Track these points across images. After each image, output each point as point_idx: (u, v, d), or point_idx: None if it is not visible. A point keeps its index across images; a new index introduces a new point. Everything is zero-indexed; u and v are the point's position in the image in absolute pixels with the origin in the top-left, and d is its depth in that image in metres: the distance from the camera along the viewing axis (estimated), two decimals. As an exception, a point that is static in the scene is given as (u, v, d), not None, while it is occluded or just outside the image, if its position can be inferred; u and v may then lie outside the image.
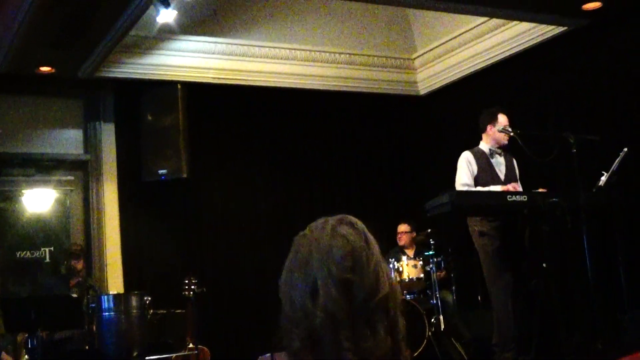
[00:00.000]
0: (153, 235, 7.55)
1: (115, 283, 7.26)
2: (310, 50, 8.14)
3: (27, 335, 5.88)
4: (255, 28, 7.86)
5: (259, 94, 8.01)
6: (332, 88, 8.29)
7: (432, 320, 6.53)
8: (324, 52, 8.21)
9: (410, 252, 7.40)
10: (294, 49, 8.06)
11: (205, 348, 5.84)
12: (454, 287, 6.97)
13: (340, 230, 1.44)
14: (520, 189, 5.54)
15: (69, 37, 6.16)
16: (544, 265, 5.04)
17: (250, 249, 7.88)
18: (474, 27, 7.74)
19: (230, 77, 7.76)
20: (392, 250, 7.34)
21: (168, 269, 7.32)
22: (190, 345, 5.59)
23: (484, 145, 5.57)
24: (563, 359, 5.06)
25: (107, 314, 5.67)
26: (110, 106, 7.58)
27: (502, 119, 5.51)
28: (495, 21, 7.42)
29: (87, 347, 6.15)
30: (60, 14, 5.68)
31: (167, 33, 7.19)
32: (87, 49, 6.52)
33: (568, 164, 5.12)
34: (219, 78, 7.71)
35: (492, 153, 5.54)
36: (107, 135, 7.54)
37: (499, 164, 5.56)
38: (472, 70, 7.94)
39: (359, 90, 8.45)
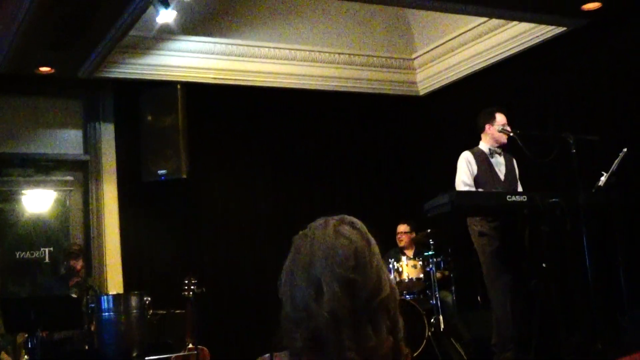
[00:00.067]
0: (153, 235, 7.55)
1: (114, 283, 7.26)
2: (309, 51, 8.14)
3: (26, 335, 5.88)
4: (255, 28, 7.86)
5: (258, 94, 8.01)
6: (331, 88, 8.29)
7: (432, 320, 6.52)
8: (323, 52, 8.21)
9: (410, 253, 7.40)
10: (294, 49, 8.06)
11: (204, 348, 5.83)
12: (453, 288, 6.97)
13: (342, 230, 1.44)
14: (520, 189, 5.55)
15: (68, 37, 6.16)
16: (544, 265, 5.04)
17: (250, 249, 7.89)
18: (474, 27, 7.74)
19: (230, 77, 7.76)
20: (392, 250, 7.34)
21: (168, 269, 7.32)
22: (190, 346, 5.59)
23: (484, 145, 5.58)
24: (562, 359, 5.06)
25: (106, 314, 5.66)
26: (110, 106, 7.58)
27: (500, 118, 5.52)
28: (494, 21, 7.42)
29: (86, 347, 6.14)
30: (60, 14, 5.67)
31: (166, 33, 7.19)
32: (86, 50, 6.52)
33: (567, 164, 5.13)
34: (218, 78, 7.71)
35: (491, 153, 5.54)
36: (107, 136, 7.54)
37: (499, 164, 5.56)
38: (471, 70, 7.95)
39: (358, 90, 8.45)
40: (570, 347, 5.14)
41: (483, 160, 5.50)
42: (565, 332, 5.24)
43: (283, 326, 1.41)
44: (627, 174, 5.40)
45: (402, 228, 7.52)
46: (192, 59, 7.58)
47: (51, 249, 7.36)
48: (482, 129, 5.59)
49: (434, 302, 6.63)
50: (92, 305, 5.85)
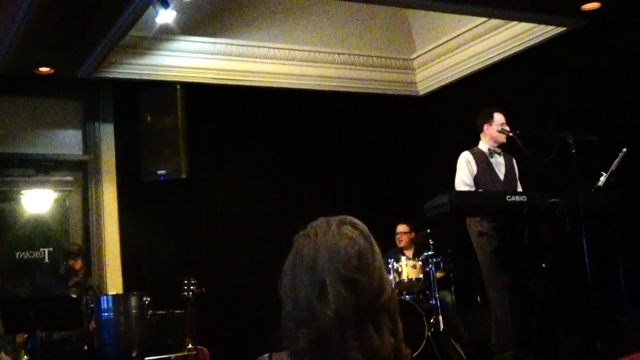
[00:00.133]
0: (152, 235, 7.55)
1: (114, 283, 7.26)
2: (309, 51, 8.14)
3: (26, 335, 5.88)
4: (255, 28, 7.86)
5: (258, 94, 8.01)
6: (331, 88, 8.29)
7: (432, 320, 6.53)
8: (323, 52, 8.21)
9: (409, 253, 7.40)
10: (293, 50, 8.06)
11: (204, 348, 5.83)
12: (453, 288, 6.97)
13: (345, 230, 1.44)
14: (520, 189, 5.56)
15: (68, 37, 6.15)
16: (543, 265, 5.04)
17: (250, 249, 7.89)
18: (473, 27, 7.74)
19: (230, 77, 7.76)
20: (391, 250, 7.34)
21: (167, 269, 7.32)
22: (190, 346, 5.59)
23: (483, 146, 5.58)
24: (562, 359, 5.06)
25: (106, 314, 5.66)
26: (110, 107, 7.58)
27: (498, 118, 5.53)
28: (494, 22, 7.42)
29: (86, 348, 6.15)
30: (60, 14, 5.67)
31: (166, 33, 7.19)
32: (86, 50, 6.52)
33: (567, 164, 5.13)
34: (218, 78, 7.71)
35: (491, 153, 5.54)
36: (106, 136, 7.54)
37: (499, 164, 5.56)
38: (471, 70, 7.95)
39: (358, 90, 8.45)
40: (570, 347, 5.14)
41: (483, 160, 5.50)
42: (564, 332, 5.24)
43: (284, 326, 1.41)
44: (626, 174, 5.40)
45: (402, 228, 7.52)
46: (191, 59, 7.58)
47: (51, 249, 7.36)
48: (481, 129, 5.59)
49: (434, 302, 6.63)
50: (92, 305, 5.85)
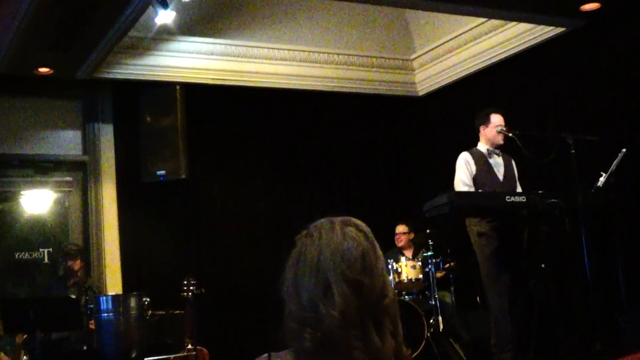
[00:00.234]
0: (152, 236, 7.55)
1: (113, 284, 7.26)
2: (308, 51, 8.14)
3: (25, 336, 5.88)
4: (254, 29, 7.86)
5: (257, 95, 8.01)
6: (330, 89, 8.29)
7: (431, 321, 6.53)
8: (322, 53, 8.21)
9: (409, 253, 7.40)
10: (293, 50, 8.06)
11: (204, 349, 5.83)
12: (452, 288, 6.98)
13: (349, 232, 1.45)
14: (519, 189, 5.55)
15: (67, 38, 6.15)
16: (543, 265, 5.04)
17: (249, 249, 7.89)
18: (473, 27, 7.74)
19: (229, 78, 7.76)
20: (391, 251, 7.34)
21: (167, 269, 7.31)
22: (189, 346, 5.58)
23: (482, 146, 5.58)
24: (561, 359, 5.06)
25: (105, 314, 5.66)
26: (109, 107, 7.58)
27: (495, 120, 5.52)
28: (493, 22, 7.43)
29: (85, 348, 6.14)
30: (59, 15, 5.67)
31: (165, 34, 7.19)
32: (85, 50, 6.51)
33: (567, 164, 5.13)
34: (217, 79, 7.71)
35: (490, 153, 5.54)
36: (106, 136, 7.54)
37: (498, 164, 5.57)
38: (470, 71, 7.95)
39: (357, 91, 8.45)
40: (569, 348, 5.14)
41: (481, 161, 5.51)
42: (564, 332, 5.24)
43: (287, 325, 1.41)
44: (626, 174, 5.41)
45: (401, 229, 7.53)
46: (191, 59, 7.58)
47: (50, 249, 7.36)
48: (478, 130, 5.61)
49: (433, 302, 6.64)
50: (91, 305, 5.85)
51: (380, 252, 1.46)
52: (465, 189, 5.35)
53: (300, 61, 8.11)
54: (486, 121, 5.54)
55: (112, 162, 7.52)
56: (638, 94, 6.31)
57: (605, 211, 5.35)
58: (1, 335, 6.12)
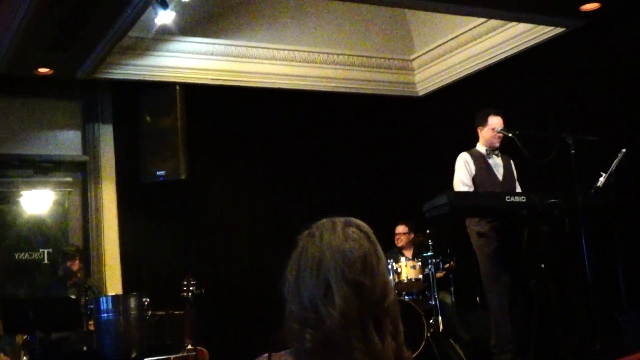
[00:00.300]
0: (151, 236, 7.55)
1: (113, 284, 7.26)
2: (308, 52, 8.14)
3: (25, 336, 5.88)
4: (254, 29, 7.86)
5: (257, 95, 8.01)
6: (330, 89, 8.29)
7: (431, 321, 6.53)
8: (322, 53, 8.21)
9: (409, 253, 7.40)
10: (293, 50, 8.06)
11: (203, 349, 5.83)
12: (452, 288, 6.98)
13: (350, 232, 1.45)
14: (518, 190, 5.55)
15: (67, 38, 6.15)
16: (542, 266, 5.04)
17: (249, 250, 7.89)
18: (473, 28, 7.74)
19: (229, 78, 7.76)
20: (391, 251, 7.34)
21: (167, 270, 7.31)
22: (189, 347, 5.58)
23: (481, 147, 5.58)
24: (561, 359, 5.07)
25: (105, 315, 5.66)
26: (109, 107, 7.58)
27: (492, 121, 5.51)
28: (493, 22, 7.43)
29: (85, 349, 6.14)
30: (59, 15, 5.67)
31: (165, 34, 7.19)
32: (85, 51, 6.52)
33: (566, 164, 5.12)
34: (217, 79, 7.71)
35: (489, 154, 5.55)
36: (106, 137, 7.54)
37: (497, 165, 5.57)
38: (470, 71, 7.95)
39: (357, 91, 8.46)
40: (569, 348, 5.14)
41: (481, 161, 5.51)
42: (564, 332, 5.24)
43: (288, 325, 1.41)
44: (625, 174, 5.40)
45: (401, 229, 7.52)
46: (190, 60, 7.58)
47: (50, 250, 7.35)
48: (476, 131, 5.61)
49: (433, 302, 6.64)
50: (91, 306, 5.85)
51: (382, 254, 1.47)
52: (464, 189, 5.35)
53: (300, 61, 8.12)
54: (484, 122, 5.54)
55: (112, 162, 7.52)
56: (638, 94, 6.31)
57: (605, 211, 5.34)
58: (1, 336, 6.11)
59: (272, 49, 7.95)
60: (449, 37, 8.11)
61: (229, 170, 8.00)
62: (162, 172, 7.31)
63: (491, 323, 5.37)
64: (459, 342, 6.56)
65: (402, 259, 6.99)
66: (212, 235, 7.81)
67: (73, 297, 6.30)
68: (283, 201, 8.14)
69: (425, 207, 5.08)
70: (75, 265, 6.69)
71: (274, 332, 1.43)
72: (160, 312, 6.28)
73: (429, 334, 6.36)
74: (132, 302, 5.71)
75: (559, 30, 6.85)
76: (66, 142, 7.55)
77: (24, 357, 5.87)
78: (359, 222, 1.49)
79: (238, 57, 7.79)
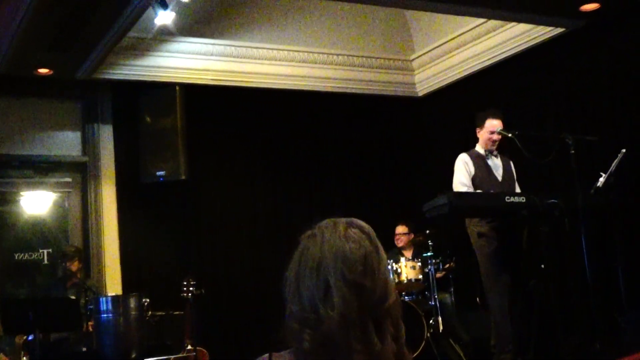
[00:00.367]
0: (151, 236, 7.54)
1: (113, 285, 7.26)
2: (308, 52, 8.14)
3: (25, 336, 5.88)
4: (254, 30, 7.86)
5: (257, 95, 8.01)
6: (330, 89, 8.29)
7: (431, 321, 6.53)
8: (322, 53, 8.21)
9: (409, 254, 7.40)
10: (292, 51, 8.06)
11: (203, 350, 5.83)
12: (452, 289, 6.98)
13: (352, 233, 1.44)
14: (518, 190, 5.55)
15: (67, 38, 6.15)
16: (542, 266, 5.05)
17: (249, 250, 7.88)
18: (472, 28, 7.74)
19: (229, 78, 7.76)
20: (390, 251, 7.34)
21: (166, 270, 7.31)
22: (189, 347, 5.59)
23: (480, 148, 5.59)
24: (561, 359, 5.07)
25: (105, 315, 5.65)
26: (109, 108, 7.58)
27: (489, 124, 5.51)
28: (493, 22, 7.43)
29: (85, 349, 6.14)
30: (59, 15, 5.67)
31: (165, 35, 7.18)
32: (85, 51, 6.52)
33: (566, 165, 5.13)
34: (217, 80, 7.71)
35: (487, 154, 5.55)
36: (106, 137, 7.54)
37: (496, 165, 5.57)
38: (470, 71, 7.94)
39: (357, 91, 8.45)
40: (569, 348, 5.14)
41: (480, 162, 5.51)
42: (563, 332, 5.24)
43: (289, 325, 1.41)
44: (625, 174, 5.41)
45: (401, 229, 7.52)
46: (190, 60, 7.57)
47: (50, 250, 7.35)
48: (475, 132, 5.62)
49: (433, 303, 6.64)
50: (91, 306, 5.85)
51: (383, 255, 1.46)
52: (464, 189, 5.36)
53: (299, 62, 8.12)
54: (482, 124, 5.55)
55: (112, 163, 7.52)
56: (638, 94, 6.31)
57: (604, 211, 5.35)
58: (1, 336, 6.11)
59: (272, 49, 7.95)
60: (449, 38, 8.11)
61: (229, 170, 7.99)
62: (162, 173, 7.31)
63: (491, 323, 5.37)
64: (459, 342, 6.56)
65: (402, 259, 6.99)
66: (212, 235, 7.81)
67: (73, 297, 6.30)
68: (283, 201, 8.14)
69: (425, 208, 5.08)
70: (75, 266, 6.68)
71: (274, 332, 1.42)
72: (160, 313, 6.28)
73: (428, 335, 6.36)
74: (132, 303, 5.71)
75: (559, 30, 6.85)
76: (66, 143, 7.55)
77: (24, 358, 5.86)
78: (361, 223, 1.49)
79: (238, 57, 7.79)
